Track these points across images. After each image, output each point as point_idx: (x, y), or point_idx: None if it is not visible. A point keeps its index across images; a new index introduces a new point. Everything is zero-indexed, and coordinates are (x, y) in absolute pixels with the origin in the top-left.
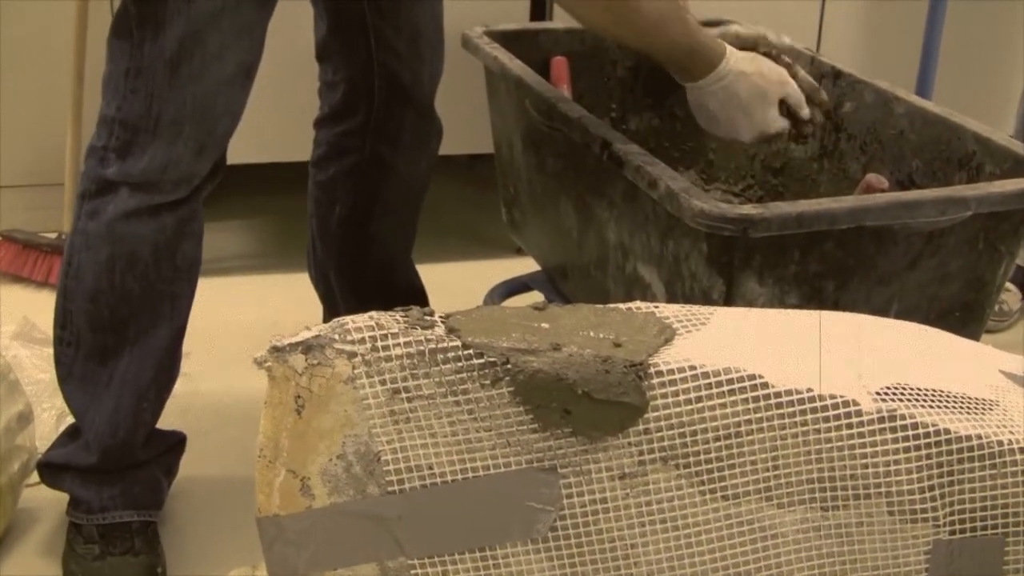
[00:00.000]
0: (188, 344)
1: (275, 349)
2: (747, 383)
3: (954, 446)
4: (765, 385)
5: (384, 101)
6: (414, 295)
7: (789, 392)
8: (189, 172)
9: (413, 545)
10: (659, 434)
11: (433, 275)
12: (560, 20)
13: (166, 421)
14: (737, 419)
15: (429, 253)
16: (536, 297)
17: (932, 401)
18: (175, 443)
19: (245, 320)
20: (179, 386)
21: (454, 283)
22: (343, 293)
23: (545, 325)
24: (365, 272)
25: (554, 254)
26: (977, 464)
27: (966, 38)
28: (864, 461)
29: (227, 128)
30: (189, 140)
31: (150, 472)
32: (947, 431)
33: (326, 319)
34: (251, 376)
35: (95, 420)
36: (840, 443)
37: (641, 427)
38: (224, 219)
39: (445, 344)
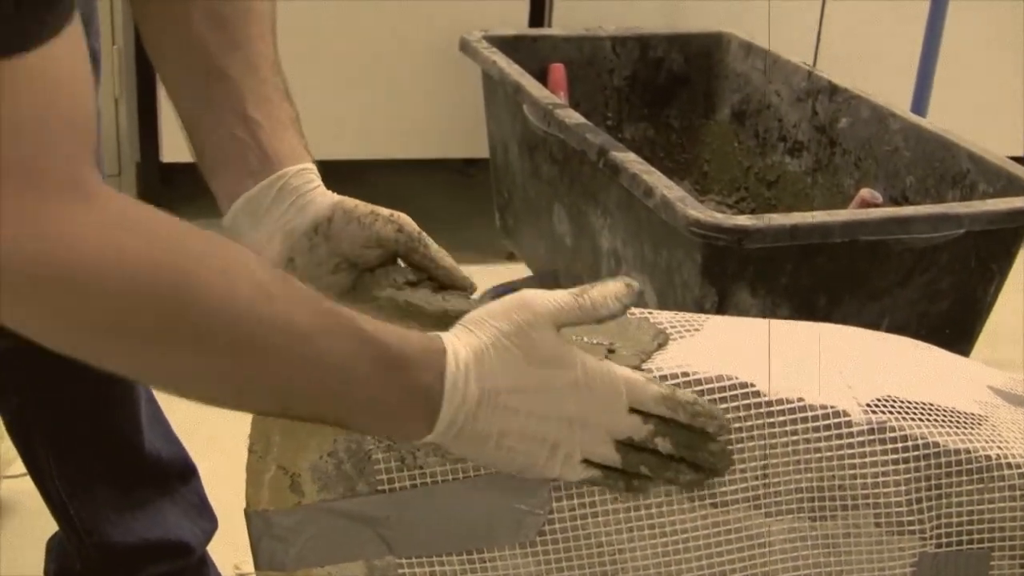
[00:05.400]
0: None
1: None
2: (739, 391)
3: (943, 459)
4: (756, 393)
5: None
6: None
7: (780, 401)
8: None
9: (401, 544)
10: None
11: None
12: (558, 27)
13: None
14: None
15: None
16: None
17: (922, 414)
18: None
19: None
20: None
21: None
22: None
23: None
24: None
25: (547, 260)
26: (965, 478)
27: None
28: (853, 472)
29: None
30: None
31: None
32: (936, 444)
33: None
34: None
35: None
36: (829, 453)
37: None
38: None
39: None
